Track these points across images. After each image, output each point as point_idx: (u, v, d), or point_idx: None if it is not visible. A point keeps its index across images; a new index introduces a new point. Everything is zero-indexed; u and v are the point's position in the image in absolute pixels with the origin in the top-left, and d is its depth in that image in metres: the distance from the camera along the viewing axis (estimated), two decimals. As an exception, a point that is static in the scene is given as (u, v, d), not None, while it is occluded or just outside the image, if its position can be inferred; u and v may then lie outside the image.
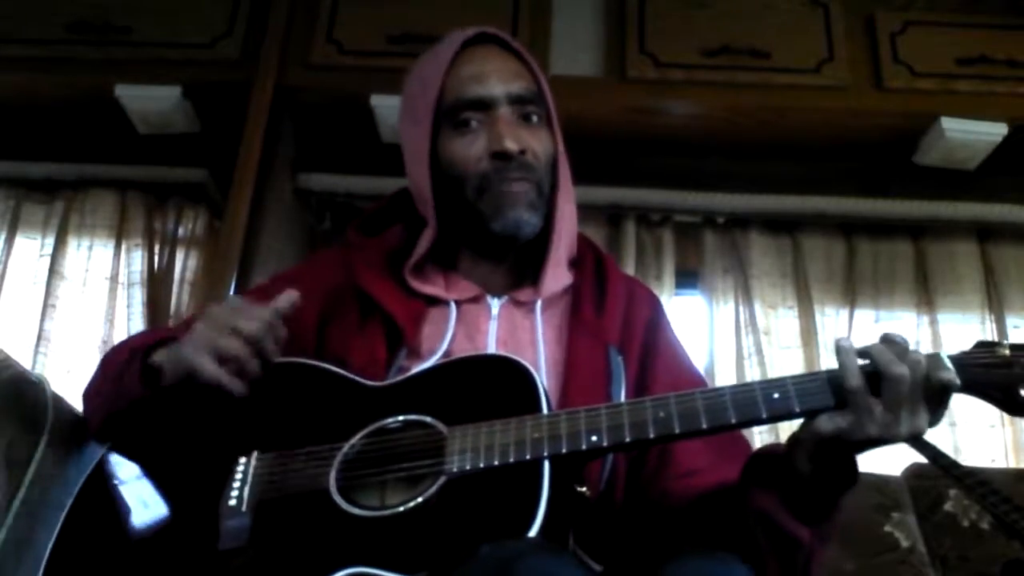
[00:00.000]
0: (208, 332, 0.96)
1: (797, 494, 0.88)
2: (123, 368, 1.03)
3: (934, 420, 0.84)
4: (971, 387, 0.86)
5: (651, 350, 1.14)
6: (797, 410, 0.85)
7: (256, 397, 0.99)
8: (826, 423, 0.84)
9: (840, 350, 0.85)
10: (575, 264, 1.21)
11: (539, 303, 1.13)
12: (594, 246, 1.26)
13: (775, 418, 0.86)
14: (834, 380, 0.85)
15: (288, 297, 1.00)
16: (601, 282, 1.18)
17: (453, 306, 1.12)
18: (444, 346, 1.08)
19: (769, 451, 0.95)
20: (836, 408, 0.84)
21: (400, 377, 1.03)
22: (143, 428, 1.03)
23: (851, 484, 0.89)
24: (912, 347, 0.86)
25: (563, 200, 1.15)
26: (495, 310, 1.13)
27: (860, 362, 0.85)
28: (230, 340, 0.95)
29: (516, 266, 1.17)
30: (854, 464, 0.88)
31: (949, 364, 0.84)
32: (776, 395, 0.86)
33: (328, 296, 1.16)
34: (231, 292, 2.03)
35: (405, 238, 1.21)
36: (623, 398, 1.06)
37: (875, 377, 0.83)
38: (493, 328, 1.11)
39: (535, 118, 1.13)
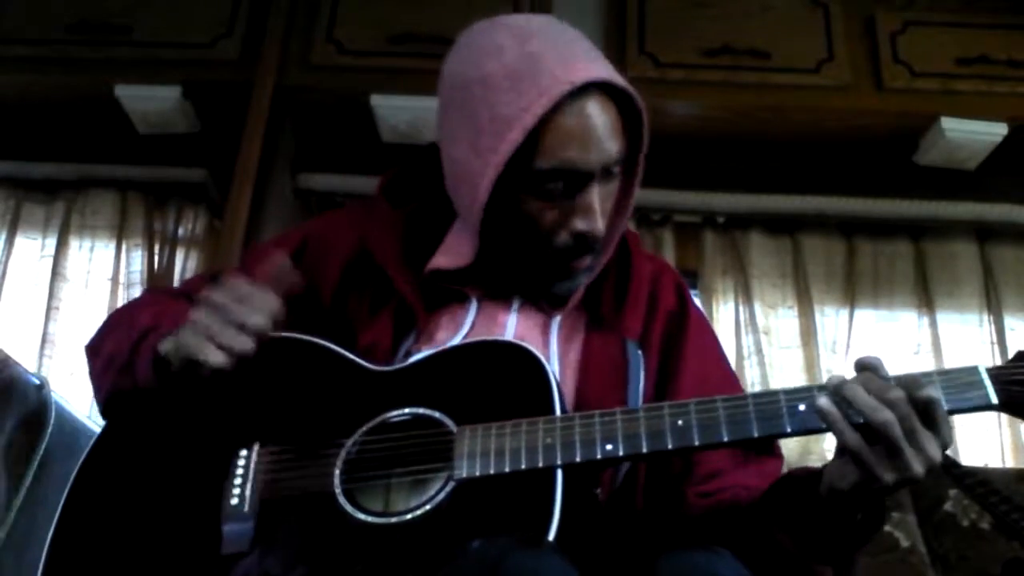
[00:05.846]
0: (213, 323, 0.92)
1: (822, 540, 0.86)
2: (133, 347, 1.00)
3: (943, 440, 0.79)
4: (1010, 406, 0.81)
5: (675, 343, 1.10)
6: (822, 425, 0.81)
7: (258, 379, 0.97)
8: (840, 480, 0.81)
9: (822, 414, 0.80)
10: None
11: (558, 318, 1.08)
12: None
13: (799, 432, 0.82)
14: None
15: (287, 275, 0.98)
16: (624, 270, 1.13)
17: (475, 301, 1.08)
18: (460, 336, 1.04)
19: (793, 478, 0.92)
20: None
21: (407, 362, 0.99)
22: (145, 408, 1.00)
23: (877, 528, 0.86)
24: (890, 372, 0.82)
25: (619, 231, 1.10)
26: (515, 304, 1.09)
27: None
28: (237, 337, 0.91)
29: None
30: (881, 509, 0.86)
31: (927, 380, 0.80)
32: (801, 407, 0.82)
33: (344, 266, 1.11)
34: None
35: (429, 218, 1.13)
36: (641, 396, 1.03)
37: (866, 426, 0.79)
38: (512, 322, 1.07)
39: (614, 173, 1.02)
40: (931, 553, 1.80)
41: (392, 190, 1.18)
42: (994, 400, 0.80)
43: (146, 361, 0.98)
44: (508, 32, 1.01)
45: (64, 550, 0.94)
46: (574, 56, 0.99)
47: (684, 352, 1.09)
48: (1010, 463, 2.15)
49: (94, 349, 1.10)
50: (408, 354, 1.03)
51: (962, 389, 0.81)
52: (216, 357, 0.90)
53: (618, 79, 1.00)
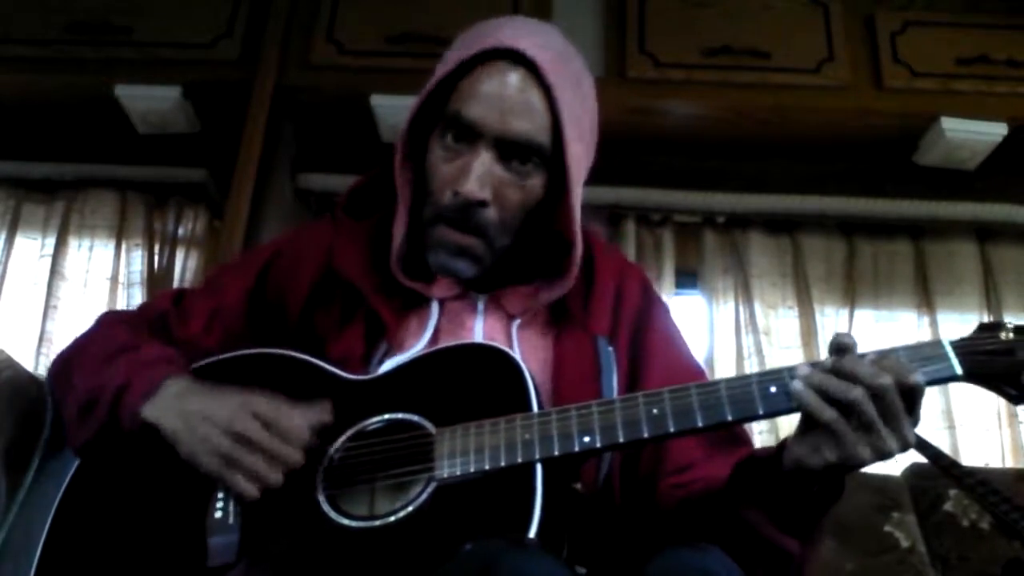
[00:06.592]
0: (242, 457, 0.90)
1: (785, 510, 0.86)
2: (111, 407, 0.98)
3: (915, 418, 0.81)
4: (974, 377, 0.83)
5: (642, 338, 1.11)
6: (793, 405, 0.83)
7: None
8: (813, 457, 0.81)
9: (795, 395, 0.81)
10: None
11: (518, 321, 1.08)
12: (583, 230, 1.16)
13: (772, 414, 0.84)
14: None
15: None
16: (589, 269, 1.13)
17: (435, 305, 1.08)
18: (423, 343, 1.04)
19: (757, 457, 0.92)
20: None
21: (384, 369, 1.00)
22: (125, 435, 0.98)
23: (837, 497, 0.87)
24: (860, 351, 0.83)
25: (577, 248, 1.06)
26: (481, 305, 1.09)
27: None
28: (270, 473, 0.90)
29: (499, 267, 1.09)
30: (840, 480, 0.86)
31: (898, 356, 0.82)
32: (773, 389, 0.83)
33: (312, 282, 1.12)
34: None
35: (391, 223, 1.13)
36: (615, 390, 1.03)
37: (839, 406, 0.80)
38: (479, 326, 1.08)
39: (529, 165, 1.03)
40: (931, 553, 1.80)
41: (353, 205, 1.19)
42: (958, 371, 0.82)
43: (130, 423, 0.97)
44: (509, 17, 1.10)
45: (52, 566, 0.94)
46: (531, 35, 1.04)
47: (650, 347, 1.10)
48: (1010, 463, 2.14)
49: (62, 383, 1.08)
50: (381, 363, 1.03)
51: (927, 362, 0.83)
52: (249, 490, 0.89)
53: (549, 71, 1.01)
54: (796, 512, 0.86)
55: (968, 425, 2.18)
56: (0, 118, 2.44)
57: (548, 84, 1.01)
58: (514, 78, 1.02)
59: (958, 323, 2.30)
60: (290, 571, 0.84)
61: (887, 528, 1.81)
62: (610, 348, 1.06)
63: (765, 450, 0.92)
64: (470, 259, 1.04)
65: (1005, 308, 2.30)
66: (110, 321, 1.17)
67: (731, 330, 2.31)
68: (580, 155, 1.06)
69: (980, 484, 1.59)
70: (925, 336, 2.27)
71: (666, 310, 1.18)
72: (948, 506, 1.86)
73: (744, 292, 2.34)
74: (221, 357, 1.07)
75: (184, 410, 0.95)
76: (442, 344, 1.04)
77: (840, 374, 0.80)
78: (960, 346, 0.83)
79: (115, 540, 0.94)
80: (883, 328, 2.32)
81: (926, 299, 2.32)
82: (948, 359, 0.83)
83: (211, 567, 0.87)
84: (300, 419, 0.92)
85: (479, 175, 1.00)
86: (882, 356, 0.82)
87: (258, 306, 1.14)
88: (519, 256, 1.09)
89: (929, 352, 0.84)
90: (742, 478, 0.91)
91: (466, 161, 1.02)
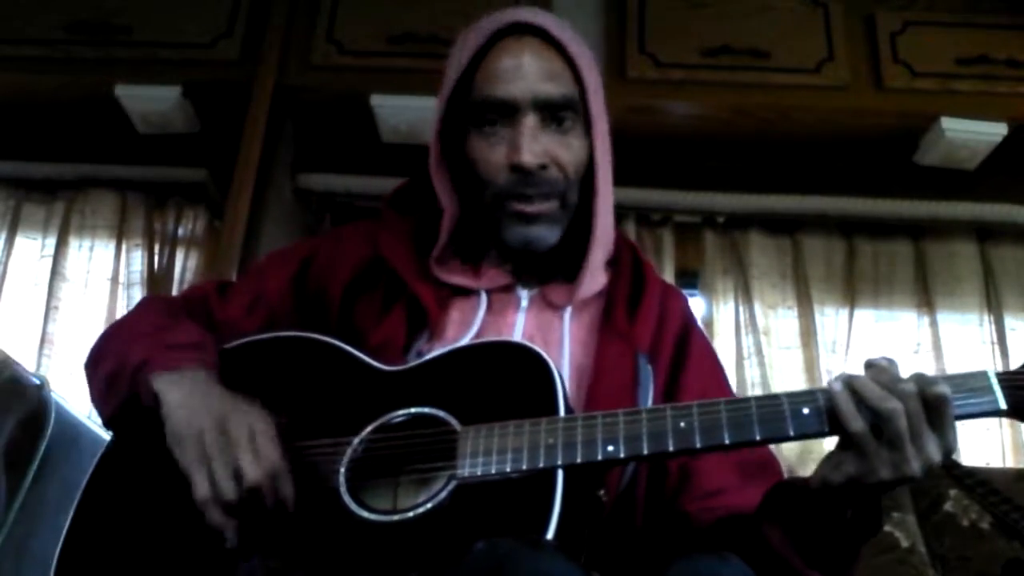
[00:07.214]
0: (211, 448, 0.88)
1: (813, 541, 0.86)
2: (130, 382, 1.01)
3: (947, 443, 0.79)
4: (1019, 412, 0.80)
5: (681, 362, 1.11)
6: (824, 428, 0.81)
7: (268, 378, 0.97)
8: (835, 474, 0.80)
9: (833, 395, 0.80)
10: (612, 263, 1.16)
11: (569, 309, 1.09)
12: (632, 246, 1.21)
13: (802, 436, 0.82)
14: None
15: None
16: (638, 286, 1.14)
17: (484, 295, 1.09)
18: (470, 335, 1.05)
19: (788, 485, 0.92)
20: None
21: (415, 362, 1.00)
22: (149, 416, 0.99)
23: (873, 531, 0.86)
24: (902, 372, 0.82)
25: (602, 206, 1.09)
26: (524, 302, 1.10)
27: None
28: (228, 483, 0.87)
29: (548, 256, 1.11)
30: (877, 510, 0.85)
31: (939, 379, 0.80)
32: (805, 410, 0.82)
33: (356, 270, 1.13)
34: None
35: (436, 220, 1.15)
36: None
37: (870, 415, 0.79)
38: (521, 320, 1.08)
39: (568, 123, 1.06)
40: (931, 553, 1.80)
41: (400, 201, 1.20)
42: (1003, 406, 0.80)
43: (147, 397, 0.99)
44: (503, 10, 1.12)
45: (76, 550, 0.95)
46: (530, 11, 1.08)
47: (688, 374, 1.10)
48: (1010, 463, 2.15)
49: (92, 367, 1.11)
50: (419, 353, 1.03)
51: (970, 394, 0.81)
52: (202, 491, 0.88)
53: (554, 29, 1.07)
54: (826, 544, 0.86)
55: (968, 425, 2.16)
56: (0, 118, 2.44)
57: (561, 45, 1.06)
58: (528, 46, 1.06)
59: (958, 323, 2.31)
60: (307, 561, 0.85)
61: (887, 528, 1.81)
62: (649, 366, 1.06)
63: (797, 479, 0.91)
64: (547, 223, 1.06)
65: (1005, 308, 2.31)
66: (146, 304, 1.20)
67: (731, 330, 2.31)
68: (600, 111, 1.09)
69: (980, 484, 1.59)
70: (925, 336, 2.28)
71: (705, 338, 1.18)
72: (948, 506, 1.86)
73: (744, 292, 2.34)
74: (253, 339, 1.07)
75: (191, 391, 0.96)
76: (482, 337, 1.05)
77: (879, 384, 0.80)
78: (1005, 379, 0.81)
79: (137, 525, 0.95)
80: (883, 328, 2.32)
81: (926, 299, 2.32)
82: (992, 392, 0.80)
83: (230, 553, 0.87)
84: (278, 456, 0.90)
85: (530, 144, 1.03)
86: (918, 374, 0.81)
87: (300, 296, 1.15)
88: (566, 252, 1.11)
89: (973, 384, 0.81)
90: (773, 505, 0.90)
91: (512, 136, 1.04)
